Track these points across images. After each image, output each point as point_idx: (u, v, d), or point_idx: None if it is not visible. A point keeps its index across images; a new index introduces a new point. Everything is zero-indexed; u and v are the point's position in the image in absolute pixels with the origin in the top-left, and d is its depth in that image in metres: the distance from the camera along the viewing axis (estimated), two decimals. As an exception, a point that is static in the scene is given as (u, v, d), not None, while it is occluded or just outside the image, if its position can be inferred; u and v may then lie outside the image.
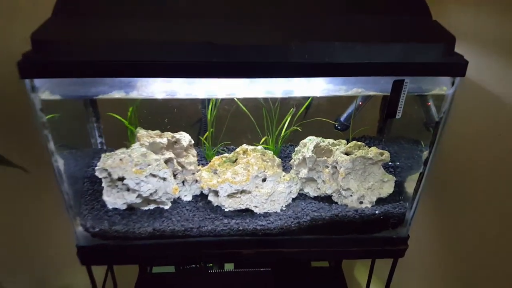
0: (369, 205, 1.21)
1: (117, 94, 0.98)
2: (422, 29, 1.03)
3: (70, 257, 1.16)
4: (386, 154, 1.20)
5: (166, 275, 1.69)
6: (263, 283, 1.67)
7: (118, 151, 1.12)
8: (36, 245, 1.66)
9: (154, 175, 1.11)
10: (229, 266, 1.72)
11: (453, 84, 1.00)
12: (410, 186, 1.22)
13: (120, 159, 1.10)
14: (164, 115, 1.32)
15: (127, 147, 1.16)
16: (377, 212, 1.19)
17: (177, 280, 1.68)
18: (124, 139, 1.28)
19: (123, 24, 0.95)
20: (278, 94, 1.03)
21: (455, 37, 0.96)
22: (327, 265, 1.76)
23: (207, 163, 1.28)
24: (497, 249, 1.21)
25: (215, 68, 0.89)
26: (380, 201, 1.23)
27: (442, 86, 1.04)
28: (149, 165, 1.09)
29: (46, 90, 0.95)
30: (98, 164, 1.11)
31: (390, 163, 1.30)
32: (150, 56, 0.87)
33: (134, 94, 0.99)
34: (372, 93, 1.16)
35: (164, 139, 1.15)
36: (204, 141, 1.32)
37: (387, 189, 1.23)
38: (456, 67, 0.96)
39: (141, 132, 1.17)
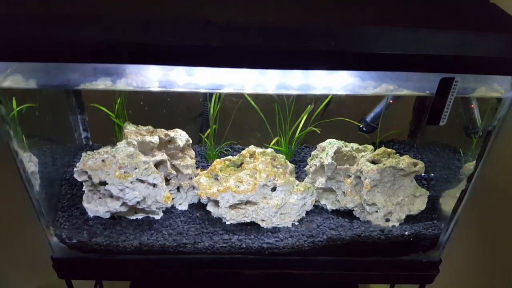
0: (396, 224, 1.03)
1: (102, 85, 0.80)
2: (478, 14, 0.83)
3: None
4: (421, 165, 1.01)
5: (161, 283, 1.54)
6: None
7: (101, 150, 0.95)
8: (18, 249, 1.52)
9: (141, 181, 0.94)
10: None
11: (513, 85, 0.79)
12: (445, 202, 1.04)
13: (103, 160, 0.92)
14: (161, 107, 1.15)
15: (114, 144, 0.99)
16: (406, 232, 1.00)
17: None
18: (113, 134, 1.10)
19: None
20: (292, 91, 0.84)
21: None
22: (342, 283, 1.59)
23: (209, 165, 1.11)
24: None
25: (214, 55, 0.69)
26: (409, 218, 1.05)
27: (494, 85, 0.84)
28: (136, 168, 0.92)
29: (14, 74, 0.78)
30: (77, 165, 0.94)
31: (423, 174, 1.10)
32: (132, 37, 0.69)
33: (121, 84, 0.81)
34: (406, 92, 0.97)
35: (155, 138, 0.97)
36: (206, 140, 1.14)
37: (419, 205, 1.05)
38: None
39: (129, 128, 0.99)
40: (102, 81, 0.80)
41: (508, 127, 0.88)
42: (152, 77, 0.82)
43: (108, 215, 0.99)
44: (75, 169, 0.94)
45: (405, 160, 1.00)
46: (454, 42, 0.76)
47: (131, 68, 0.80)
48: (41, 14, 0.72)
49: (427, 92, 0.84)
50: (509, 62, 0.75)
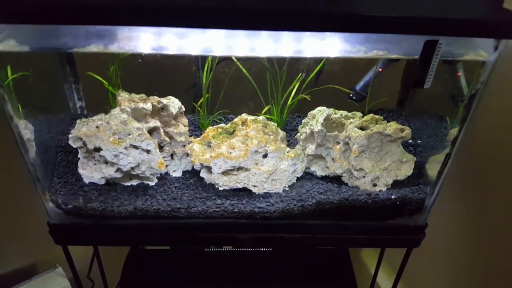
0: (384, 188, 1.06)
1: (94, 48, 0.82)
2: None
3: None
4: (407, 131, 1.04)
5: (159, 253, 1.57)
6: (263, 264, 1.55)
7: (95, 117, 0.97)
8: (18, 219, 1.54)
9: (135, 147, 0.96)
10: (227, 246, 1.60)
11: (496, 48, 0.81)
12: (431, 168, 1.06)
13: (97, 127, 0.94)
14: (155, 76, 1.16)
15: (108, 112, 1.00)
16: (393, 196, 1.03)
17: (171, 259, 1.56)
18: (107, 103, 1.12)
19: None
20: (284, 53, 0.86)
21: (505, -12, 0.77)
22: (332, 247, 1.63)
23: (202, 134, 1.13)
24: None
25: (206, 16, 0.71)
26: (396, 184, 1.07)
27: (479, 51, 0.86)
28: (129, 134, 0.94)
29: (8, 39, 0.79)
30: (72, 131, 0.96)
31: (410, 141, 1.13)
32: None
33: (114, 48, 0.82)
34: (395, 56, 0.99)
35: (148, 105, 0.99)
36: (199, 108, 1.16)
37: (406, 170, 1.07)
38: (503, 27, 0.77)
39: (123, 96, 1.00)
40: (95, 45, 0.82)
41: (490, 91, 0.90)
42: (145, 40, 0.84)
43: (103, 181, 1.01)
44: (69, 136, 0.96)
45: (392, 126, 1.03)
46: (439, 5, 0.78)
47: (123, 31, 0.81)
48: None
49: (416, 56, 0.86)
50: (491, 25, 0.77)
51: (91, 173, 0.99)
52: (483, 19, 0.76)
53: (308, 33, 0.82)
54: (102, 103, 1.14)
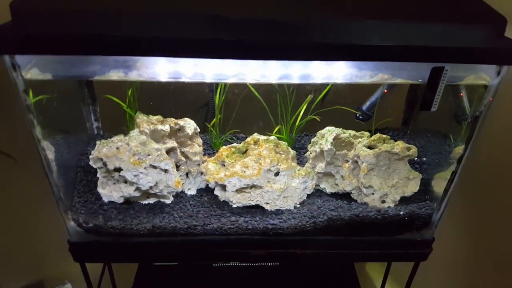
0: (392, 205, 1.10)
1: (114, 75, 0.86)
2: (466, 8, 0.90)
3: (64, 249, 1.05)
4: (414, 150, 1.08)
5: (168, 268, 1.60)
6: (270, 279, 1.58)
7: (115, 138, 1.00)
8: (27, 236, 1.57)
9: (154, 167, 0.99)
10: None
11: (498, 73, 0.86)
12: (437, 184, 1.11)
13: (117, 148, 0.98)
14: (167, 98, 1.20)
15: (126, 133, 1.04)
16: (401, 212, 1.07)
17: (180, 274, 1.59)
18: (122, 124, 1.16)
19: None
20: (294, 80, 0.91)
21: (506, 19, 0.82)
22: (342, 261, 1.66)
23: (214, 152, 1.17)
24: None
25: (223, 47, 0.76)
26: (404, 200, 1.11)
27: (481, 74, 0.91)
28: (149, 155, 0.98)
29: (33, 68, 0.83)
30: (92, 152, 1.00)
31: (416, 158, 1.17)
32: (148, 31, 0.75)
33: (133, 76, 0.87)
34: (400, 81, 1.03)
35: (166, 126, 1.03)
36: (211, 129, 1.20)
37: (412, 187, 1.11)
38: (505, 54, 0.82)
39: (141, 118, 1.04)
40: (114, 72, 0.86)
41: (493, 112, 0.95)
42: (163, 69, 0.88)
43: (121, 200, 1.04)
44: (90, 156, 1.00)
45: (399, 145, 1.07)
46: (444, 34, 0.83)
47: (142, 60, 0.86)
48: (61, 10, 0.77)
49: (420, 80, 0.90)
50: (493, 52, 0.82)
51: (110, 192, 1.02)
52: (486, 47, 0.81)
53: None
54: (116, 124, 1.18)
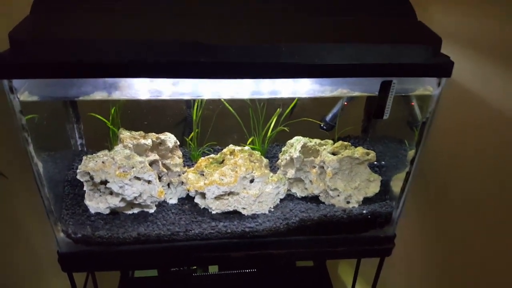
0: (356, 205, 1.21)
1: (99, 95, 0.95)
2: (409, 30, 1.03)
3: (48, 261, 1.11)
4: (372, 154, 1.21)
5: (148, 280, 1.65)
6: (249, 285, 1.65)
7: (100, 153, 1.08)
8: (13, 250, 1.59)
9: (138, 178, 1.08)
10: (213, 269, 1.70)
11: (439, 84, 1.01)
12: (395, 185, 1.23)
13: (103, 162, 1.06)
14: (147, 115, 1.29)
15: (108, 149, 1.12)
16: (364, 211, 1.19)
17: (160, 284, 1.65)
18: (104, 141, 1.23)
19: (105, 22, 0.91)
20: (264, 95, 1.02)
21: (441, 39, 0.97)
22: (311, 264, 1.77)
23: (193, 164, 1.26)
24: (483, 248, 1.23)
25: (202, 69, 0.86)
26: (366, 200, 1.23)
27: (427, 86, 1.05)
28: (133, 167, 1.06)
29: (25, 91, 0.91)
30: (79, 167, 1.07)
31: (375, 162, 1.30)
32: (135, 56, 0.84)
33: (116, 95, 0.96)
34: (357, 94, 1.16)
35: (148, 141, 1.12)
36: (190, 142, 1.29)
37: (374, 188, 1.23)
38: (442, 68, 0.96)
39: (124, 134, 1.13)
40: (98, 93, 0.95)
41: (438, 119, 1.09)
42: (144, 88, 0.98)
43: (108, 211, 1.11)
44: (78, 171, 1.07)
45: (359, 151, 1.20)
46: (390, 53, 0.96)
47: (125, 81, 0.94)
48: (54, 40, 0.85)
49: (375, 93, 1.03)
50: (432, 67, 0.96)
51: (97, 204, 1.10)
52: (426, 63, 0.95)
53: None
54: (100, 141, 1.26)
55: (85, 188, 1.10)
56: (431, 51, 0.96)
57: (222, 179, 1.13)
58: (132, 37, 0.87)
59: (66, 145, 1.27)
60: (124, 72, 0.87)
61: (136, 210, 1.14)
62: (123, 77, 0.89)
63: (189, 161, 1.32)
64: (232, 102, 1.25)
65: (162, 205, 1.18)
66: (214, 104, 1.27)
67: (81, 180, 1.08)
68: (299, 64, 0.90)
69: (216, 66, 0.86)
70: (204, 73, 0.88)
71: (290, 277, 1.70)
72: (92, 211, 1.11)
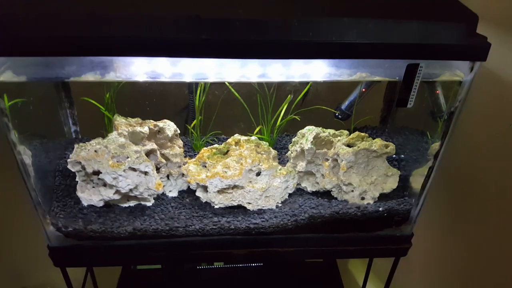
0: (371, 201, 1.11)
1: (91, 77, 0.85)
2: (440, 6, 0.91)
3: (45, 255, 1.04)
4: (392, 147, 1.10)
5: (151, 272, 1.58)
6: (255, 280, 1.58)
7: (93, 142, 0.99)
8: (6, 244, 1.53)
9: (133, 169, 0.98)
10: (218, 262, 1.62)
11: (471, 69, 0.89)
12: (415, 180, 1.12)
13: (95, 151, 0.97)
14: (147, 100, 1.19)
15: (104, 136, 1.03)
16: (380, 209, 1.09)
17: (164, 277, 1.58)
18: (101, 128, 1.14)
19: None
20: (274, 78, 0.91)
21: (477, 16, 0.84)
22: (321, 260, 1.68)
23: (195, 154, 1.16)
24: (503, 252, 1.13)
25: (203, 47, 0.76)
26: (383, 196, 1.13)
27: (456, 71, 0.93)
28: (128, 157, 0.97)
29: (7, 71, 0.81)
30: (70, 156, 0.98)
31: (394, 155, 1.19)
32: (126, 32, 0.74)
33: (110, 76, 0.86)
34: (378, 78, 1.05)
35: (145, 128, 1.02)
36: (192, 130, 1.20)
37: (391, 184, 1.13)
38: (478, 50, 0.84)
39: (119, 120, 1.03)
40: (91, 74, 0.85)
41: (467, 108, 0.98)
42: (140, 69, 0.88)
43: (101, 204, 1.03)
44: (68, 160, 0.98)
45: (377, 143, 1.09)
46: (419, 32, 0.84)
47: (119, 61, 0.85)
48: (35, 13, 0.76)
49: (397, 78, 0.92)
50: (466, 49, 0.84)
51: (89, 196, 1.01)
52: (459, 44, 0.84)
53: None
54: (96, 127, 1.17)
55: (77, 179, 1.02)
56: (465, 30, 0.84)
57: (225, 172, 1.04)
58: (122, 11, 0.77)
59: (58, 132, 1.18)
60: (114, 50, 0.76)
61: (132, 203, 1.06)
62: (113, 56, 0.79)
63: (191, 151, 1.22)
64: (239, 87, 1.14)
65: (161, 198, 1.09)
66: (219, 89, 1.17)
67: (72, 170, 0.99)
68: (312, 43, 0.79)
69: (218, 44, 0.76)
70: (204, 52, 0.77)
71: (298, 272, 1.62)
72: (85, 203, 1.03)
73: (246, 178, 1.06)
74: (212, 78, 0.91)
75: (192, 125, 1.19)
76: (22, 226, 1.48)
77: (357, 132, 1.13)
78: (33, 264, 1.59)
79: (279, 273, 1.60)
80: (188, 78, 0.90)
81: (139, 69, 0.87)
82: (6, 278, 1.59)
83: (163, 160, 1.07)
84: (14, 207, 1.42)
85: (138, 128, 1.02)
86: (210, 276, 1.58)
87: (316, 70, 0.92)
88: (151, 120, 1.07)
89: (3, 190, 1.38)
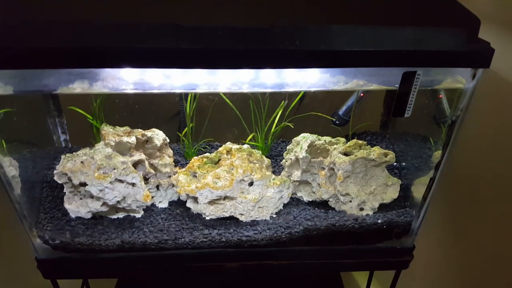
0: (370, 212, 1.06)
1: (78, 88, 0.82)
2: (439, 10, 0.86)
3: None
4: (391, 155, 1.05)
5: (148, 281, 1.56)
6: (253, 284, 1.54)
7: (80, 152, 0.97)
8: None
9: (120, 181, 0.95)
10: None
11: (474, 76, 0.83)
12: (417, 190, 1.07)
13: (81, 162, 0.94)
14: (137, 107, 1.16)
15: (93, 145, 1.00)
16: (379, 220, 1.04)
17: (161, 281, 1.55)
18: (91, 136, 1.12)
19: (74, 4, 0.77)
20: (266, 88, 0.87)
21: (479, 20, 0.78)
22: (320, 272, 1.63)
23: (187, 163, 1.13)
24: (507, 262, 1.07)
25: (182, 56, 0.72)
26: (383, 207, 1.08)
27: (457, 77, 0.87)
28: (114, 169, 0.94)
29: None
30: (57, 167, 0.96)
31: (395, 163, 1.14)
32: (101, 42, 0.71)
33: (98, 87, 0.82)
34: (374, 87, 1.00)
35: (132, 138, 0.99)
36: (183, 138, 1.16)
37: (391, 194, 1.08)
38: (480, 57, 0.79)
39: (106, 129, 1.00)
40: (78, 84, 0.82)
41: (471, 116, 0.92)
42: (128, 79, 0.84)
43: (89, 215, 1.00)
44: (55, 172, 0.96)
45: (375, 151, 1.04)
46: (416, 37, 0.79)
47: (107, 71, 0.81)
48: (22, 24, 0.73)
49: (396, 86, 0.87)
50: (467, 55, 0.79)
51: (77, 207, 0.99)
52: (459, 50, 0.78)
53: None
54: (86, 136, 1.14)
55: (65, 190, 0.99)
56: (467, 35, 0.79)
57: (216, 182, 1.00)
58: (97, 20, 0.73)
59: (47, 141, 1.15)
60: (98, 61, 0.73)
61: (121, 215, 1.03)
62: (93, 67, 0.75)
63: (183, 159, 1.18)
64: (231, 93, 1.10)
65: (150, 209, 1.06)
66: (212, 94, 1.13)
67: (59, 182, 0.97)
68: (301, 51, 0.74)
69: (199, 53, 0.72)
70: (185, 62, 0.73)
71: (299, 280, 1.58)
72: (73, 215, 1.01)
73: (238, 188, 1.02)
74: (202, 88, 0.87)
75: (183, 132, 1.15)
76: (14, 234, 1.46)
77: (354, 140, 1.08)
78: (27, 272, 1.57)
79: (279, 279, 1.56)
80: (177, 89, 0.86)
81: (127, 79, 0.83)
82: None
83: (152, 171, 1.04)
84: (8, 213, 1.41)
85: (125, 138, 0.98)
86: (207, 279, 1.55)
87: (311, 78, 0.87)
88: (139, 130, 1.04)
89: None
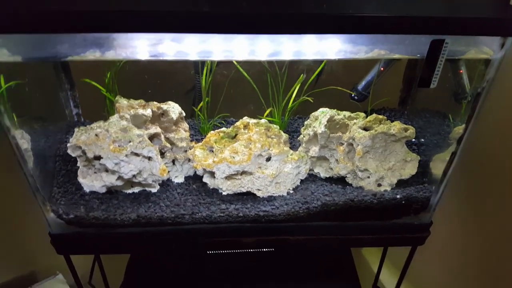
0: (388, 188, 1.05)
1: (90, 55, 0.79)
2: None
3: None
4: (411, 130, 1.02)
5: (160, 257, 1.55)
6: (266, 265, 1.54)
7: (94, 125, 0.94)
8: (16, 228, 1.51)
9: (136, 154, 0.93)
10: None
11: (502, 46, 0.80)
12: (435, 166, 1.06)
13: (96, 135, 0.92)
14: (151, 81, 1.13)
15: (106, 119, 0.98)
16: (398, 196, 1.02)
17: (173, 261, 1.55)
18: (104, 110, 1.09)
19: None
20: (284, 56, 0.84)
21: (511, -15, 0.76)
22: (337, 247, 1.62)
23: (203, 138, 1.11)
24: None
25: (205, 21, 0.69)
26: (401, 183, 1.06)
27: (483, 47, 0.84)
28: (130, 141, 0.92)
29: (1, 49, 0.76)
30: (70, 140, 0.93)
31: (413, 140, 1.12)
32: (120, 6, 0.68)
33: (110, 55, 0.80)
34: (397, 56, 0.97)
35: (148, 111, 0.97)
36: (199, 113, 1.14)
37: (410, 170, 1.06)
38: (510, 25, 0.76)
39: (121, 102, 0.98)
40: (91, 52, 0.80)
41: (495, 89, 0.89)
42: (142, 47, 0.82)
43: (104, 190, 0.99)
44: (68, 145, 0.93)
45: (396, 126, 1.01)
46: (443, 4, 0.76)
47: (120, 38, 0.79)
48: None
49: (418, 55, 0.84)
50: (497, 23, 0.76)
51: (91, 181, 0.97)
52: (489, 17, 0.75)
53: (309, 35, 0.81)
54: (99, 110, 1.12)
55: (78, 164, 0.97)
56: (497, 1, 0.76)
57: (233, 157, 0.98)
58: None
59: (59, 115, 1.13)
60: (111, 26, 0.70)
61: (136, 189, 1.01)
62: (109, 32, 0.73)
63: (198, 134, 1.16)
64: (248, 66, 1.07)
65: (166, 184, 1.04)
66: (227, 69, 1.10)
67: (73, 155, 0.95)
68: (326, 16, 0.71)
69: (221, 18, 0.69)
70: (207, 27, 0.70)
71: (310, 257, 1.57)
72: (87, 189, 0.99)
73: (255, 163, 1.00)
74: (218, 56, 0.85)
75: (198, 107, 1.13)
76: (29, 209, 1.45)
77: (374, 115, 1.05)
78: (42, 248, 1.57)
79: (290, 258, 1.55)
80: (193, 56, 0.84)
81: (141, 46, 0.81)
82: (14, 261, 1.57)
83: (168, 145, 1.02)
84: (24, 187, 1.39)
85: (141, 111, 0.96)
86: (221, 260, 1.55)
87: (331, 47, 0.85)
88: (154, 103, 1.01)
89: (13, 171, 1.35)
